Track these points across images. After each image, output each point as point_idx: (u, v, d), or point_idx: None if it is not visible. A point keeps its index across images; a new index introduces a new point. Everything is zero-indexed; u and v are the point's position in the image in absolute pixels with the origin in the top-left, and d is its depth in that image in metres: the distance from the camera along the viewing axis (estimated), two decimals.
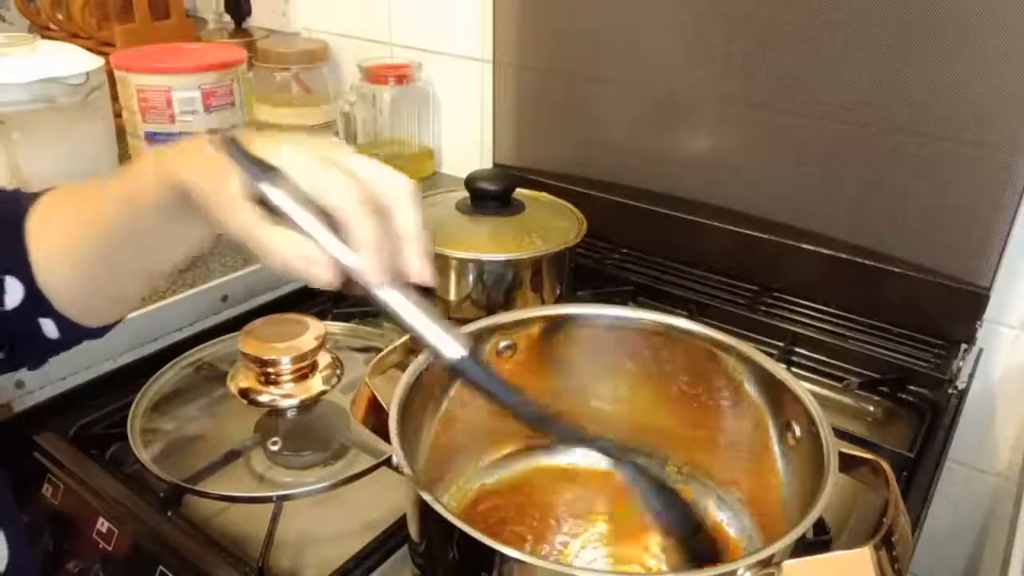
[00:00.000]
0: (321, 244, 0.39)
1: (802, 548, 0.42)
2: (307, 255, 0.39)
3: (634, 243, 1.00)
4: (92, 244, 0.48)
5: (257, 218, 0.39)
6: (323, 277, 0.39)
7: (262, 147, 0.40)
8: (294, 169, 0.40)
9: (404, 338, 0.56)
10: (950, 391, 0.77)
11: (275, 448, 0.67)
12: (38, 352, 0.54)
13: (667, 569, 0.55)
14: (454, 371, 0.44)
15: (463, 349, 0.43)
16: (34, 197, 0.50)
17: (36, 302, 0.49)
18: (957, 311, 0.81)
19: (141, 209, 0.45)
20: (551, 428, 0.50)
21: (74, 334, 0.52)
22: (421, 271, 0.41)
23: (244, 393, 0.67)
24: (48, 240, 0.49)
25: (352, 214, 0.39)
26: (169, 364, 0.74)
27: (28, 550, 0.48)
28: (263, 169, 0.39)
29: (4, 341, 0.51)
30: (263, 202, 0.39)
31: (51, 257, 0.49)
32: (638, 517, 0.58)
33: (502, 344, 0.58)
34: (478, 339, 0.57)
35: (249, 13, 1.33)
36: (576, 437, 0.53)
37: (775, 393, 0.53)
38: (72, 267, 0.49)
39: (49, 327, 0.51)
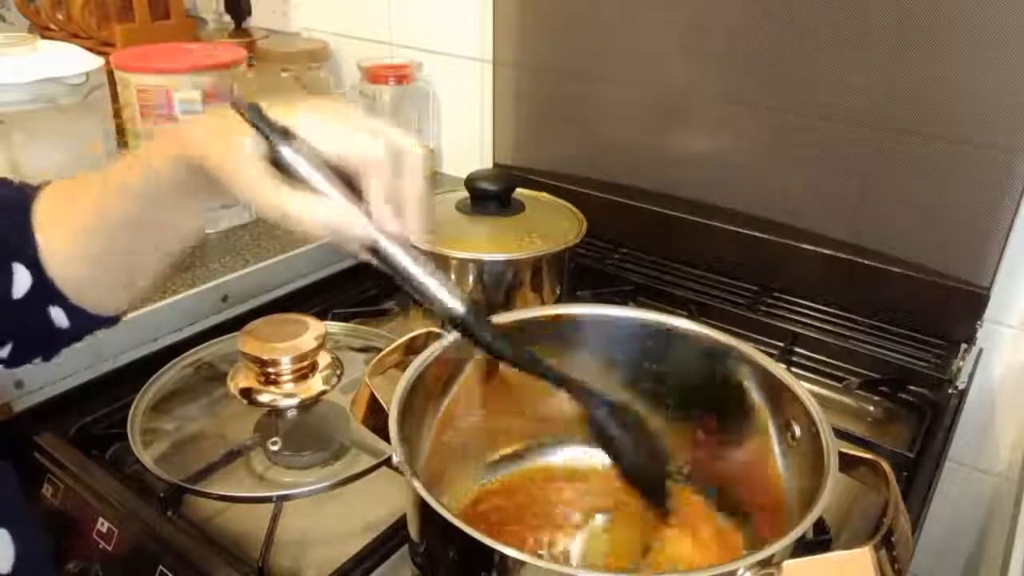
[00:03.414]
0: (339, 203, 0.41)
1: (802, 548, 0.42)
2: (346, 216, 0.41)
3: (634, 243, 1.00)
4: (101, 234, 0.48)
5: (277, 185, 0.40)
6: (362, 235, 0.41)
7: (280, 111, 0.41)
8: (313, 131, 0.41)
9: (404, 338, 0.56)
10: (950, 391, 0.77)
11: (275, 448, 0.67)
12: (49, 343, 0.54)
13: (668, 567, 0.55)
14: (457, 324, 0.46)
15: (463, 305, 0.46)
16: (37, 189, 0.50)
17: (45, 291, 0.49)
18: (957, 311, 0.81)
19: (152, 191, 0.45)
20: (554, 380, 0.51)
21: (85, 323, 0.52)
22: (421, 232, 0.44)
23: (244, 393, 0.67)
24: (56, 234, 0.49)
25: (374, 168, 0.41)
26: (169, 364, 0.74)
27: (37, 550, 0.48)
28: (280, 133, 0.41)
29: (13, 333, 0.51)
30: (278, 165, 0.41)
31: (62, 251, 0.49)
32: (638, 517, 0.58)
33: None
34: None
35: (249, 13, 1.33)
36: (581, 390, 0.52)
37: (775, 393, 0.53)
38: (84, 259, 0.49)
39: (59, 316, 0.51)
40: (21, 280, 0.49)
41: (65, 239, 0.49)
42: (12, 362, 0.52)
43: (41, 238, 0.48)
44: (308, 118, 0.42)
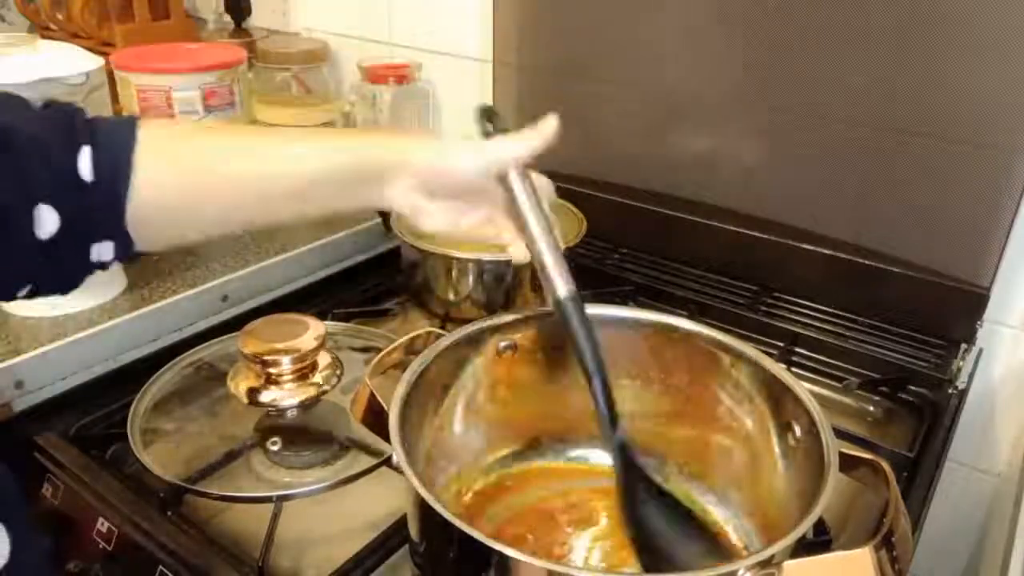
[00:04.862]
0: (535, 234, 0.53)
1: (802, 548, 0.42)
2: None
3: (634, 243, 1.00)
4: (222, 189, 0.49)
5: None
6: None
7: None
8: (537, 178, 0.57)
9: (404, 338, 0.56)
10: (950, 391, 0.77)
11: (275, 448, 0.67)
12: (76, 278, 0.50)
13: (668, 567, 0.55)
14: (557, 308, 0.52)
15: (567, 290, 0.51)
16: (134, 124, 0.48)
17: (107, 224, 0.47)
18: (957, 311, 0.81)
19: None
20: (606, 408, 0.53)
21: (125, 256, 0.50)
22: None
23: (244, 393, 0.67)
24: (175, 167, 0.48)
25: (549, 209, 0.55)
26: (169, 364, 0.74)
27: (33, 547, 0.47)
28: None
29: (33, 276, 0.48)
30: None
31: (167, 185, 0.48)
32: None
33: (502, 344, 0.58)
34: (478, 339, 0.57)
35: (249, 13, 1.33)
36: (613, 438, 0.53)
37: (775, 393, 0.53)
38: (183, 196, 0.48)
39: (103, 250, 0.48)
40: (46, 222, 0.45)
41: (174, 171, 0.48)
42: (28, 298, 0.50)
43: (149, 163, 0.47)
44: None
